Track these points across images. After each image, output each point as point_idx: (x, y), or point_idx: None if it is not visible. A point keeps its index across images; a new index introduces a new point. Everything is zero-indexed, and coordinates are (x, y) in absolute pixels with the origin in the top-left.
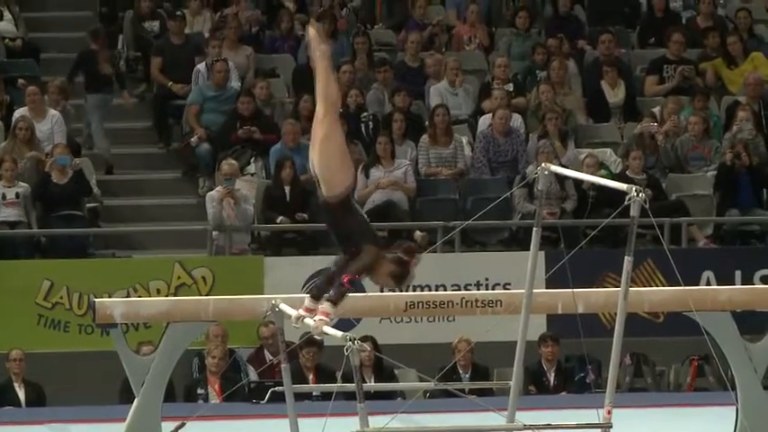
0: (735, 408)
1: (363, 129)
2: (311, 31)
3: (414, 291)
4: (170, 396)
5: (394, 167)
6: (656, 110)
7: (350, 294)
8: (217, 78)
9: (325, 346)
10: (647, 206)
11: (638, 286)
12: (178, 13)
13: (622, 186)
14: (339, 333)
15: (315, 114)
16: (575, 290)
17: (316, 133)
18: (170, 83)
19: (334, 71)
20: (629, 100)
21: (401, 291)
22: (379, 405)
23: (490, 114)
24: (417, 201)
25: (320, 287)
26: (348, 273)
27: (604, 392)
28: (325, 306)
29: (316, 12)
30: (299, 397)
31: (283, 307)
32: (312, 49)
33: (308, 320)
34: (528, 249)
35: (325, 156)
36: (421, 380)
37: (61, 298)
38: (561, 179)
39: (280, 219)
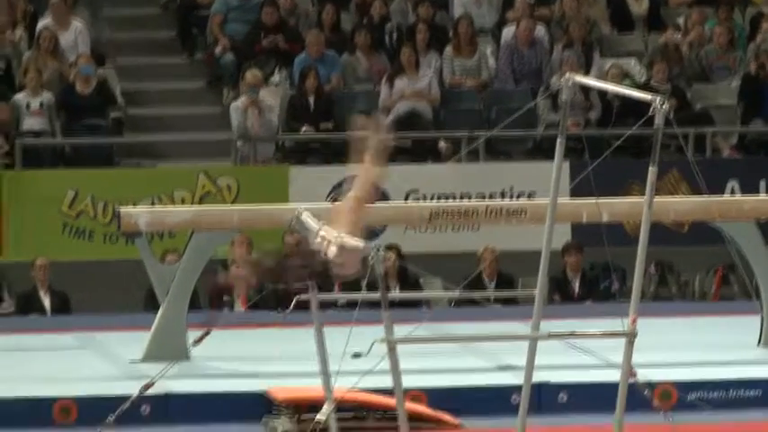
0: (759, 316)
1: (387, 39)
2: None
3: (438, 200)
4: (195, 304)
5: (418, 78)
6: (681, 20)
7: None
8: None
9: None
10: (672, 116)
11: (663, 196)
12: None
13: (646, 96)
14: (360, 244)
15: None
16: (599, 199)
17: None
18: None
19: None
20: (653, 10)
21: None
22: (404, 314)
23: (514, 25)
24: (441, 111)
25: None
26: None
27: (629, 301)
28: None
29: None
30: (324, 306)
31: (305, 217)
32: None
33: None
34: (552, 159)
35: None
36: (446, 289)
37: (86, 207)
38: (585, 89)
39: (304, 128)
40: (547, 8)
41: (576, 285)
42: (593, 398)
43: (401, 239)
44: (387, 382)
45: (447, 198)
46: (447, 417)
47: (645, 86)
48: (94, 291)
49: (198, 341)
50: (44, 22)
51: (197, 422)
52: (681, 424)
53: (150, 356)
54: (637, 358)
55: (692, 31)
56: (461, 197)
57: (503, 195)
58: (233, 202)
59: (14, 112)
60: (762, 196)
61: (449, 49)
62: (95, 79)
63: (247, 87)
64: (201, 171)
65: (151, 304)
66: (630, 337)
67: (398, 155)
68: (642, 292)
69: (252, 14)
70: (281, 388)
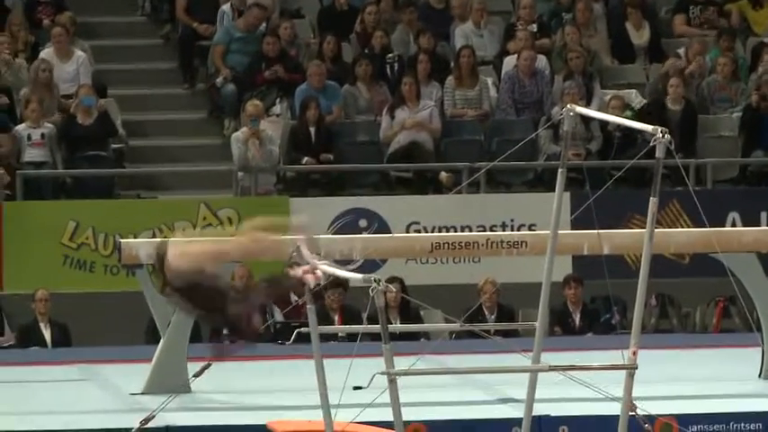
0: (761, 348)
1: (389, 70)
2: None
3: (439, 232)
4: (196, 336)
5: (419, 108)
6: (682, 51)
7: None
8: (247, 21)
9: (351, 288)
10: (672, 147)
11: (664, 227)
12: None
13: (648, 128)
14: (358, 276)
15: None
16: (600, 231)
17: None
18: (195, 23)
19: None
20: (654, 41)
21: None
22: (405, 346)
23: (515, 55)
24: (443, 142)
25: None
26: None
27: (630, 334)
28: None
29: None
30: (325, 338)
31: (304, 250)
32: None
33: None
34: (553, 190)
35: None
36: (446, 321)
37: (87, 238)
38: (586, 120)
39: (305, 159)
40: (548, 39)
41: (577, 318)
42: (593, 431)
43: (402, 271)
44: (387, 415)
45: (448, 230)
46: None
47: (657, 105)
48: (95, 323)
49: (198, 374)
50: (45, 52)
51: None
52: None
53: (151, 389)
54: (637, 391)
55: (693, 62)
56: (462, 229)
57: (504, 227)
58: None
59: (16, 143)
60: (762, 228)
61: (450, 80)
62: (97, 110)
63: (248, 118)
64: (202, 202)
65: (152, 337)
66: (631, 369)
67: (399, 187)
68: (643, 325)
69: (253, 45)
70: (282, 421)
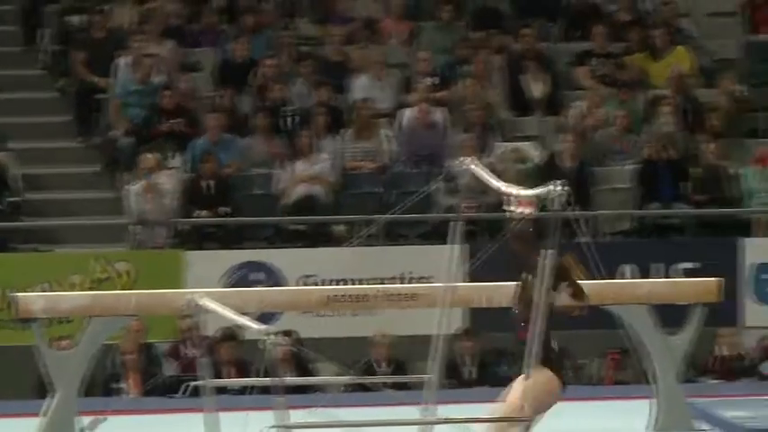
0: (652, 401)
1: (286, 122)
2: None
3: (335, 285)
4: (89, 390)
5: (316, 161)
6: (580, 103)
7: None
8: (143, 73)
9: (245, 341)
10: (570, 200)
11: None
12: (101, 6)
13: (544, 191)
14: (256, 327)
15: None
16: (495, 283)
17: None
18: (92, 77)
19: None
20: (552, 94)
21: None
22: (298, 399)
23: (412, 108)
24: (339, 194)
25: None
26: None
27: None
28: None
29: None
30: (218, 391)
31: (203, 301)
32: None
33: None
34: (448, 243)
35: None
36: (340, 373)
37: None
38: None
39: (201, 213)
40: (445, 91)
41: (471, 370)
42: None
43: (297, 324)
44: None
45: (344, 282)
46: None
47: (549, 165)
48: None
49: (89, 428)
50: None
51: None
52: None
53: None
54: None
55: (590, 115)
56: (358, 281)
57: (400, 279)
58: (130, 287)
59: None
60: (656, 280)
61: (348, 132)
62: None
63: (144, 171)
64: (98, 256)
65: (42, 391)
66: (525, 421)
67: (295, 239)
68: None
69: (150, 98)
70: None
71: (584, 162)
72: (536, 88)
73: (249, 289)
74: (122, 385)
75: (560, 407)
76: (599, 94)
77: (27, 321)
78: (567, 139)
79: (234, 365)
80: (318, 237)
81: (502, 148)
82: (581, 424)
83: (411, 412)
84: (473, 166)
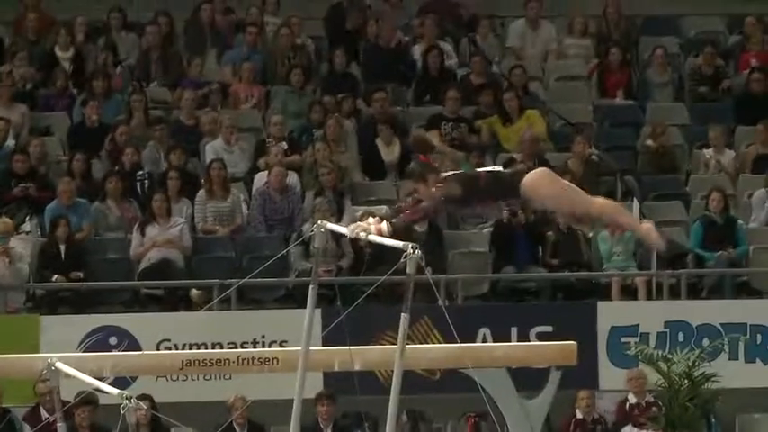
0: None
1: (139, 187)
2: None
3: (190, 349)
4: None
5: (170, 225)
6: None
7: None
8: None
9: (102, 405)
10: (423, 263)
11: (415, 343)
12: None
13: (399, 244)
14: (115, 391)
15: None
16: (351, 347)
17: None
18: None
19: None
20: (405, 157)
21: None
22: None
23: (266, 172)
24: (194, 258)
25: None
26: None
27: None
28: (382, 224)
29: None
30: None
31: (59, 365)
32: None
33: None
34: (304, 307)
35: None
36: None
37: None
38: (337, 237)
39: (55, 277)
40: (298, 155)
41: None
42: None
43: (153, 389)
44: None
45: (199, 347)
46: None
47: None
48: None
49: None
50: None
51: None
52: None
53: None
54: None
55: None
56: (213, 346)
57: (255, 344)
58: None
59: None
60: (512, 343)
61: (201, 194)
62: None
63: None
64: None
65: None
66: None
67: (150, 304)
68: None
69: (2, 163)
70: None
71: (438, 226)
72: (389, 152)
73: (104, 353)
74: None
75: None
76: (452, 158)
77: None
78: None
79: (91, 430)
80: (173, 301)
81: (356, 211)
82: None
83: None
84: (327, 226)
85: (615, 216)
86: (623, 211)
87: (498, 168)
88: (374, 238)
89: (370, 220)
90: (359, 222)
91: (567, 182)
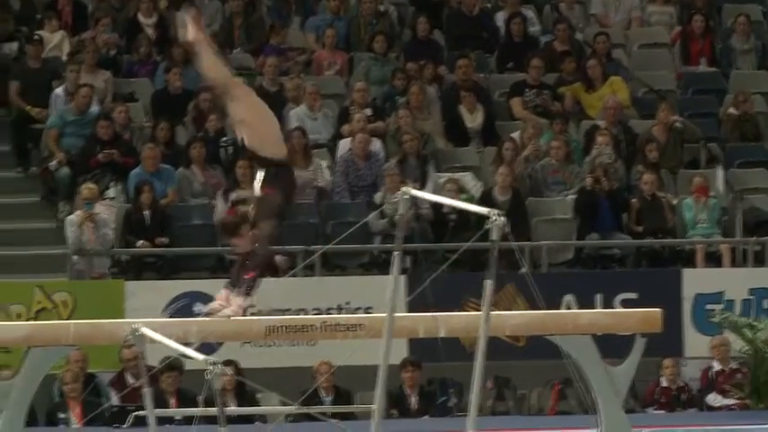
0: (596, 430)
1: (223, 153)
2: (188, 20)
3: (275, 315)
4: (31, 421)
5: (254, 192)
6: (516, 134)
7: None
8: (79, 103)
9: (187, 370)
10: (508, 230)
11: (500, 310)
12: (35, 36)
13: (483, 210)
14: (200, 357)
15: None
16: (436, 314)
17: (239, 110)
18: (28, 107)
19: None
20: (488, 124)
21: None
22: (241, 429)
23: (350, 138)
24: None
25: (235, 277)
26: (252, 266)
27: (466, 416)
28: (237, 299)
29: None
30: (161, 421)
31: (144, 331)
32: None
33: (225, 311)
34: (388, 273)
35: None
36: (283, 404)
37: None
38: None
39: (140, 243)
40: (382, 122)
41: (414, 400)
42: None
43: (238, 354)
44: None
45: (284, 313)
46: None
47: (485, 198)
48: None
49: None
50: None
51: None
52: None
53: None
54: None
55: (527, 145)
56: (298, 312)
57: (339, 309)
58: (69, 317)
59: None
60: (597, 310)
61: None
62: None
63: (83, 201)
64: (37, 286)
65: None
66: None
67: None
68: (479, 407)
69: (87, 129)
70: None
71: (520, 193)
72: (472, 118)
73: (189, 319)
74: (66, 416)
75: None
76: (535, 126)
77: None
78: (502, 171)
79: (177, 395)
80: None
81: (440, 178)
82: None
83: None
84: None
85: None
86: None
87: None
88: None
89: (218, 303)
90: (212, 307)
91: None
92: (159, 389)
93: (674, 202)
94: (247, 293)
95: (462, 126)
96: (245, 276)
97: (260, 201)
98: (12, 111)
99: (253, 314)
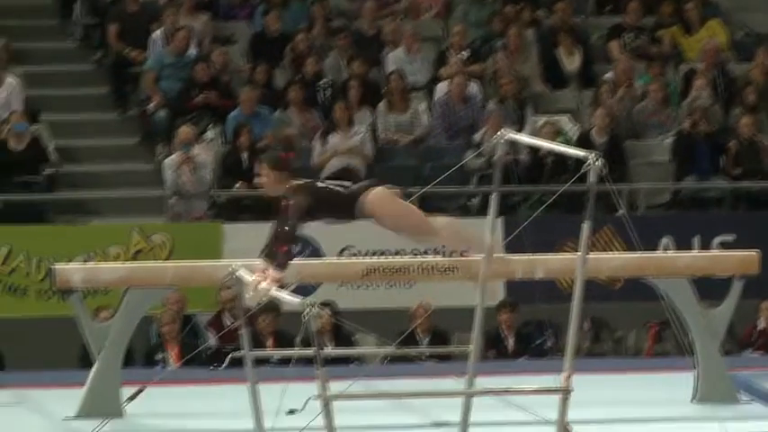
0: (694, 373)
1: (320, 95)
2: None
3: (373, 257)
4: (129, 361)
5: (351, 134)
6: (610, 75)
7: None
8: (177, 46)
9: (284, 312)
10: (605, 172)
11: (597, 252)
12: None
13: (581, 153)
14: (298, 299)
15: None
16: (533, 256)
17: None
18: (127, 49)
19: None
20: (586, 67)
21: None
22: (339, 370)
23: (447, 81)
24: (375, 167)
25: (271, 248)
26: (283, 238)
27: (563, 357)
28: (272, 272)
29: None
30: (259, 362)
31: (241, 273)
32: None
33: (262, 285)
34: (485, 215)
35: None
36: (380, 345)
37: (19, 263)
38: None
39: (238, 185)
40: (479, 65)
41: (511, 342)
42: None
43: (335, 296)
44: None
45: (381, 254)
46: None
47: (582, 139)
48: (28, 348)
49: (132, 398)
50: None
51: None
52: None
53: (84, 413)
54: (571, 415)
55: (623, 88)
56: (396, 253)
57: (437, 252)
58: (167, 258)
59: None
60: (695, 253)
61: (382, 105)
62: (28, 136)
63: (180, 144)
64: (135, 228)
65: (85, 361)
66: (565, 393)
67: None
68: (576, 349)
69: (185, 71)
70: None
71: (618, 136)
72: (570, 62)
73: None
74: (164, 356)
75: (602, 379)
76: (632, 68)
77: (66, 293)
78: (600, 113)
79: (274, 337)
80: None
81: (537, 121)
82: (622, 395)
83: (453, 383)
84: (513, 136)
85: (452, 238)
86: (461, 231)
87: (346, 184)
88: (276, 293)
89: (256, 277)
90: (252, 282)
91: (405, 202)
92: (256, 330)
93: None
94: (281, 266)
95: (560, 69)
96: (279, 250)
97: (307, 185)
98: (110, 54)
99: (351, 256)
